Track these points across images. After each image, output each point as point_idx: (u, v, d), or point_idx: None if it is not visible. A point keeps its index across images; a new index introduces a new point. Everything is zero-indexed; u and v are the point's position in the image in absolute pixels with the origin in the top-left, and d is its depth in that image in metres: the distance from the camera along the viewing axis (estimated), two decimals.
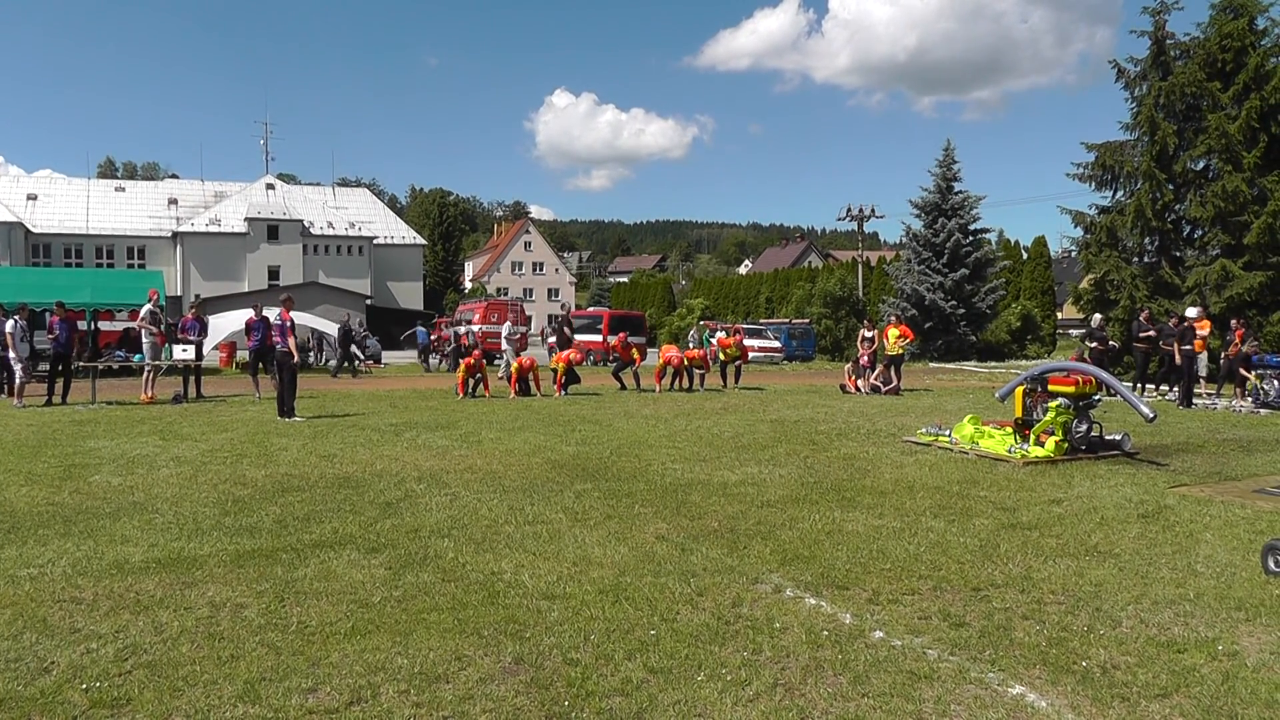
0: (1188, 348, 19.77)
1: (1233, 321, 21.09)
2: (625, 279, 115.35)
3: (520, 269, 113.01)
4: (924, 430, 13.22)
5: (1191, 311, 21.07)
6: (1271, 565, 6.35)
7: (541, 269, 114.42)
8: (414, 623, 5.13)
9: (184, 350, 19.57)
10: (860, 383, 22.28)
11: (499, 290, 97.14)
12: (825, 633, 5.08)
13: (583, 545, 6.93)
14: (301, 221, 71.12)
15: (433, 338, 37.85)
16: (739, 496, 8.93)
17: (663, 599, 5.62)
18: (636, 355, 23.05)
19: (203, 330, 21.21)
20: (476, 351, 20.85)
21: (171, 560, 6.43)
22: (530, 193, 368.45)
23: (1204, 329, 21.12)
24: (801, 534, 7.36)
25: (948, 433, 12.75)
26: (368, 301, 65.20)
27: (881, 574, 6.26)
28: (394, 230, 77.73)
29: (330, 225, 73.33)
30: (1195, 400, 19.84)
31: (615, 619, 5.24)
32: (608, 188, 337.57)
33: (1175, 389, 20.95)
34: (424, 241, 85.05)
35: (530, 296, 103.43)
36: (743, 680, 4.40)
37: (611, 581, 5.97)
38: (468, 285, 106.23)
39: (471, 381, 19.93)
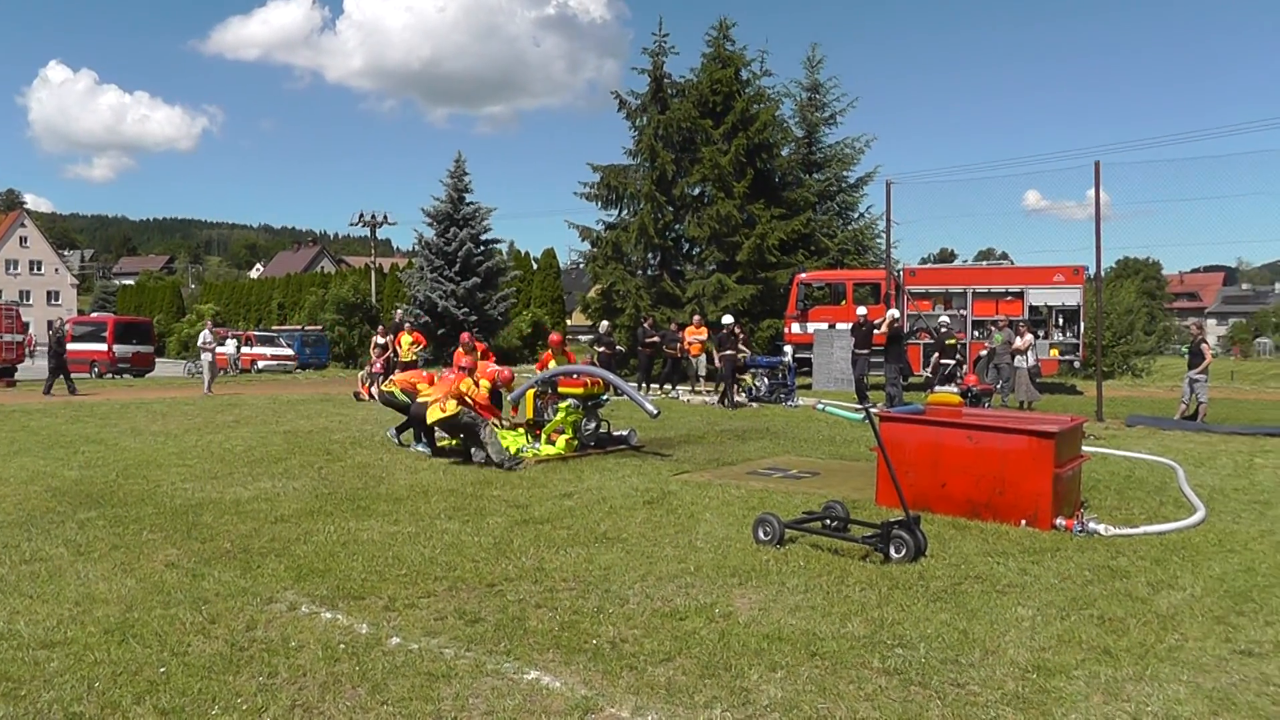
0: (729, 353, 21.01)
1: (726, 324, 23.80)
2: (132, 281, 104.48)
3: (15, 268, 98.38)
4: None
5: (727, 319, 22.73)
6: (761, 535, 7.42)
7: (40, 268, 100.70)
8: None
9: None
10: (374, 390, 22.19)
11: None
12: (342, 645, 5.08)
13: (86, 582, 6.29)
14: None
15: None
16: (252, 514, 8.60)
17: (173, 632, 5.30)
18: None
19: None
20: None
21: None
22: (24, 180, 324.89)
23: (700, 334, 23.81)
24: (316, 547, 7.28)
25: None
26: None
27: (398, 580, 6.37)
28: None
29: None
30: (696, 396, 22.30)
31: (122, 660, 4.84)
32: (111, 179, 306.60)
33: (677, 388, 23.74)
34: None
35: (28, 300, 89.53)
36: (259, 707, 4.29)
37: (118, 619, 5.50)
38: None
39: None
